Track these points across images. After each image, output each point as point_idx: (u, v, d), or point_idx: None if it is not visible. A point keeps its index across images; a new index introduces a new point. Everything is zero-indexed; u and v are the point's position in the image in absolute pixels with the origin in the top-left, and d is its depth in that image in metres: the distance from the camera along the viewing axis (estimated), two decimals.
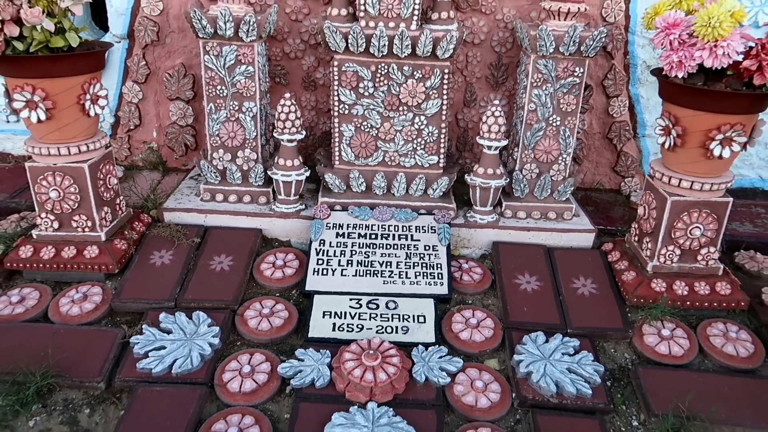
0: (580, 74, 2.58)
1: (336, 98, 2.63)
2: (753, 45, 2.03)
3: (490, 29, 2.94)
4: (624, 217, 2.94)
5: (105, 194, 2.49)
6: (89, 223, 2.45)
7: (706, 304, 2.35)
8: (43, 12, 2.08)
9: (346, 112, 2.65)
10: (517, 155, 2.74)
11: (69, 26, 2.21)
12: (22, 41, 2.10)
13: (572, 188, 2.77)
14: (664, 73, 2.19)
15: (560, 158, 2.71)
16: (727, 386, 2.05)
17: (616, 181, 3.21)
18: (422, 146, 2.70)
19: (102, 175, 2.47)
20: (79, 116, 2.33)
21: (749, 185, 3.25)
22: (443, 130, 2.68)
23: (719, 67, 2.05)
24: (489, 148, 2.59)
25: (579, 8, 2.53)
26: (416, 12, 2.49)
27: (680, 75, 2.12)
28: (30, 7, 2.05)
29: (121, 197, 2.64)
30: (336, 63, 2.57)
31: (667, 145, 2.30)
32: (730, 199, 2.31)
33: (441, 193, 2.75)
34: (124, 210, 2.65)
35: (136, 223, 2.67)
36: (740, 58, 2.04)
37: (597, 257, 2.62)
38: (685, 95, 2.18)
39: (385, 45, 2.49)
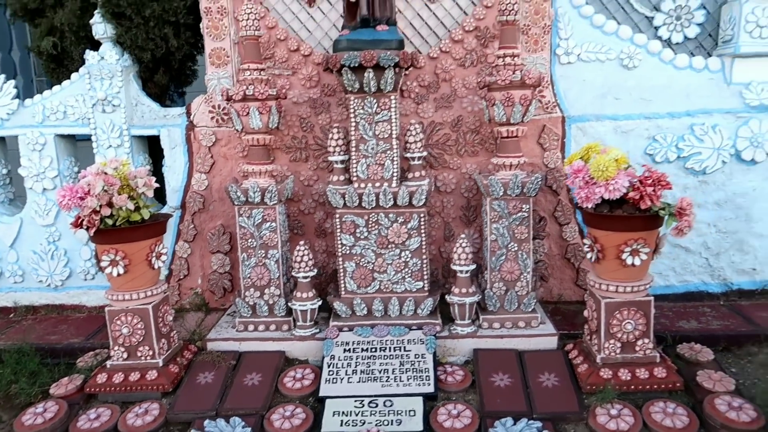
0: (527, 210, 3.30)
1: (339, 242, 3.40)
2: (635, 181, 2.76)
3: (458, 180, 3.76)
4: (585, 323, 3.48)
5: (163, 329, 3.20)
6: (150, 353, 3.13)
7: (647, 387, 2.83)
8: (128, 197, 2.96)
9: (348, 252, 3.40)
10: (487, 276, 3.39)
11: (143, 205, 3.08)
12: (111, 218, 2.96)
13: (535, 300, 3.38)
14: (579, 205, 2.90)
15: (522, 277, 3.36)
16: None
17: (580, 293, 3.79)
18: (409, 275, 3.40)
19: (161, 314, 3.19)
20: (147, 269, 3.12)
21: (695, 289, 3.79)
22: (425, 261, 3.38)
23: (615, 198, 2.76)
24: (461, 272, 3.27)
25: (519, 161, 3.34)
26: (395, 174, 3.33)
27: (589, 206, 2.83)
28: (119, 195, 2.93)
29: (174, 331, 3.34)
30: (338, 215, 3.37)
31: (593, 259, 2.95)
32: (651, 298, 2.89)
33: (428, 312, 3.38)
34: (176, 341, 3.34)
35: (186, 351, 3.35)
36: (629, 190, 2.76)
37: (560, 356, 3.15)
38: (597, 220, 2.87)
39: (373, 200, 3.30)
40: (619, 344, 2.92)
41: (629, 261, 2.82)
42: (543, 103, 3.68)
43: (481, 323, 3.36)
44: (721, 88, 3.71)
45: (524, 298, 3.36)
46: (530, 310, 3.37)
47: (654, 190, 2.70)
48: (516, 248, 3.34)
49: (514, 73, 3.19)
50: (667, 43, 3.89)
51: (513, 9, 3.22)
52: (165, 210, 3.97)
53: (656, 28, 3.89)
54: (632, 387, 2.84)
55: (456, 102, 3.74)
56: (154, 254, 3.13)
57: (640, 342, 2.91)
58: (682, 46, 3.91)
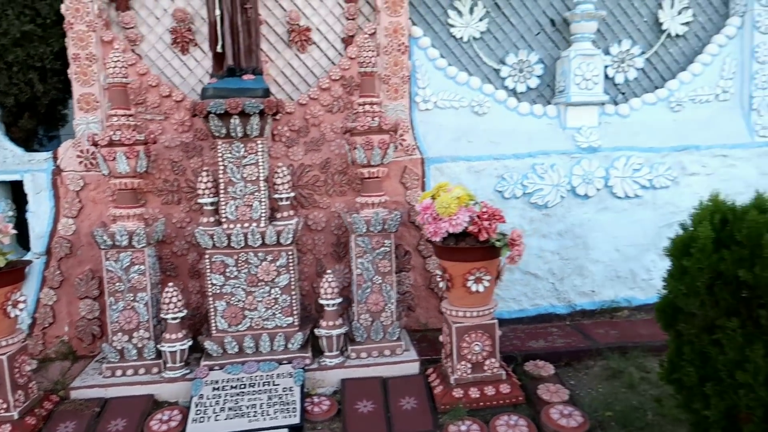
0: (389, 244, 3.55)
1: (209, 282, 3.47)
2: (474, 216, 3.08)
3: (328, 218, 3.97)
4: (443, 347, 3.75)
5: (20, 380, 3.09)
6: (5, 406, 3.01)
7: (494, 402, 3.11)
8: None
9: (218, 291, 3.48)
10: (354, 308, 3.59)
11: None
12: None
13: (400, 329, 3.61)
14: (429, 239, 3.18)
15: (386, 308, 3.58)
16: None
17: None
18: (279, 311, 3.52)
19: (17, 364, 3.08)
20: (1, 318, 3.02)
21: (545, 311, 4.20)
22: (294, 297, 3.53)
23: (459, 232, 3.07)
24: (328, 305, 3.44)
25: (381, 200, 3.60)
26: (263, 214, 3.48)
27: (437, 239, 3.12)
28: None
29: (34, 381, 3.23)
30: (207, 256, 3.45)
31: (444, 288, 3.23)
32: (495, 321, 3.21)
33: (299, 346, 3.51)
34: (35, 392, 3.22)
35: (46, 402, 3.23)
36: (470, 224, 3.07)
37: (421, 380, 3.38)
38: (445, 252, 3.16)
39: (242, 240, 3.41)
40: (469, 365, 3.19)
41: (474, 288, 3.12)
42: (404, 146, 4.00)
43: (350, 354, 3.53)
44: (558, 132, 4.23)
45: (389, 327, 3.58)
46: (395, 338, 3.59)
47: (490, 224, 3.03)
48: (380, 281, 3.56)
49: (372, 120, 3.48)
50: (513, 92, 4.38)
51: (371, 62, 3.53)
52: (29, 256, 3.85)
53: (503, 79, 4.38)
54: (481, 404, 3.10)
55: (324, 145, 3.98)
56: (10, 303, 3.04)
57: (487, 362, 3.20)
58: (527, 95, 4.42)
